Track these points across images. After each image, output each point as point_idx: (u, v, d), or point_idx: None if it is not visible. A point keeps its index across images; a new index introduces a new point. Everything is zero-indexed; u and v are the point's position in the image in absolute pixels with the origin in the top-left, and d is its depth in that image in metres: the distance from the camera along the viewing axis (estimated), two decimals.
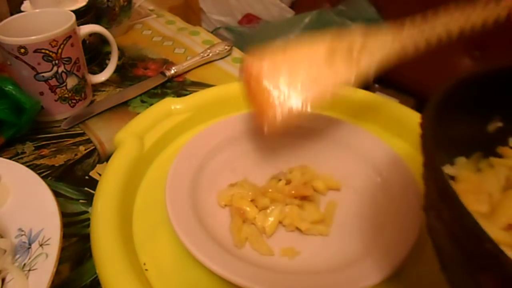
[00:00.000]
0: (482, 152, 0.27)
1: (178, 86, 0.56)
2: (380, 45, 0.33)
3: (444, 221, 0.19)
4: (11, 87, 0.42)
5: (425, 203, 0.22)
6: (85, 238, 0.34)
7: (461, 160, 0.27)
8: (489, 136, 0.27)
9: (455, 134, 0.26)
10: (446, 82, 0.24)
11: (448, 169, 0.26)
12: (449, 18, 0.32)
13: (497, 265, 0.16)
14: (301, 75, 0.32)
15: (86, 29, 0.49)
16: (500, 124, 0.27)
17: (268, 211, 0.33)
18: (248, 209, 0.33)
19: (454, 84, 0.24)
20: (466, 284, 0.19)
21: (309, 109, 0.32)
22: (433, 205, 0.21)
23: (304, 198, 0.34)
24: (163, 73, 0.56)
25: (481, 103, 0.26)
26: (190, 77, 0.58)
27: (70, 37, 0.46)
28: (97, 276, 0.28)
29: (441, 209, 0.19)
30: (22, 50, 0.43)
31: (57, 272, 0.27)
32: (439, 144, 0.21)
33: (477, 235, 0.16)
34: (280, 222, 0.33)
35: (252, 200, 0.34)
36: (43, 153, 0.44)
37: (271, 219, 0.32)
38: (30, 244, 0.29)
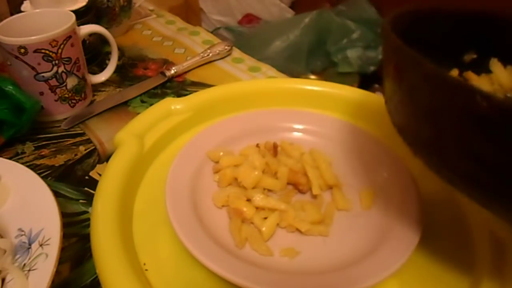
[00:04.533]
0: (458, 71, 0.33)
1: (178, 86, 0.56)
2: None
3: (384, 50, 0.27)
4: (11, 87, 0.42)
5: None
6: (85, 238, 0.34)
7: None
8: (464, 63, 0.33)
9: (431, 49, 0.29)
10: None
11: None
12: None
13: (392, 43, 0.23)
14: None
15: (86, 29, 0.49)
16: (474, 56, 0.33)
17: (264, 216, 0.33)
18: (245, 209, 0.33)
19: (437, 7, 0.31)
20: (389, 84, 0.26)
21: None
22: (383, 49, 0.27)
23: (297, 185, 0.35)
24: (163, 73, 0.56)
25: (459, 34, 0.32)
26: (190, 77, 0.58)
27: (70, 37, 0.46)
28: (97, 276, 0.28)
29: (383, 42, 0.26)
30: (22, 50, 0.43)
31: (57, 272, 0.26)
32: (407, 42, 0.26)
33: (388, 33, 0.24)
34: (277, 225, 0.33)
35: (248, 200, 0.34)
36: (43, 153, 0.44)
37: (268, 223, 0.32)
38: (30, 244, 0.29)
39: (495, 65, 0.32)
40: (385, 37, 0.25)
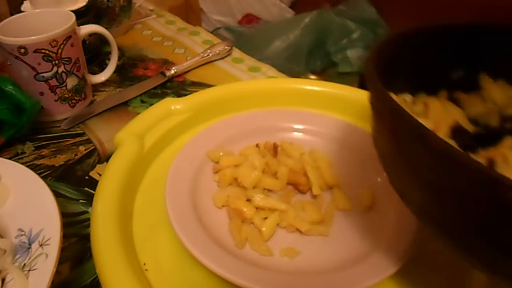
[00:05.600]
0: (446, 92, 0.31)
1: (178, 86, 0.56)
2: None
3: (371, 102, 0.24)
4: (11, 87, 0.42)
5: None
6: (85, 238, 0.34)
7: (422, 95, 0.30)
8: (452, 82, 0.30)
9: (417, 72, 0.29)
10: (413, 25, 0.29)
11: (406, 97, 0.29)
12: None
13: (387, 104, 0.20)
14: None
15: (86, 29, 0.49)
16: (462, 74, 0.30)
17: (264, 216, 0.33)
18: (245, 209, 0.33)
19: (418, 28, 0.28)
20: (382, 143, 0.25)
21: None
22: (370, 101, 0.24)
23: (297, 185, 0.35)
24: (163, 73, 0.56)
25: (445, 51, 0.29)
26: (190, 77, 0.58)
27: (70, 37, 0.46)
28: (97, 276, 0.28)
29: (370, 94, 0.24)
30: (22, 50, 0.43)
31: (57, 272, 0.26)
32: (392, 71, 0.25)
33: (378, 89, 0.21)
34: (277, 225, 0.33)
35: (248, 200, 0.34)
36: (43, 153, 0.44)
37: (268, 223, 0.32)
38: (30, 244, 0.29)
39: (485, 80, 0.30)
40: (374, 90, 0.22)
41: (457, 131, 0.28)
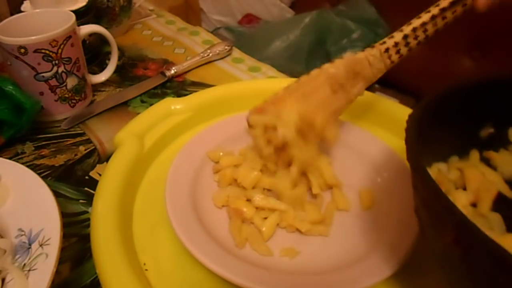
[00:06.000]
0: (477, 152, 0.29)
1: (178, 86, 0.56)
2: (366, 72, 0.35)
3: (419, 193, 0.22)
4: (11, 87, 0.42)
5: (413, 191, 0.24)
6: (85, 238, 0.34)
7: (454, 159, 0.29)
8: (482, 140, 0.29)
9: (447, 135, 0.28)
10: (439, 88, 0.27)
11: (440, 166, 0.28)
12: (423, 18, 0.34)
13: (452, 216, 0.18)
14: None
15: (86, 29, 0.49)
16: (491, 130, 0.29)
17: (264, 216, 0.33)
18: (245, 209, 0.33)
19: (444, 91, 0.27)
20: (439, 245, 0.22)
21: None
22: (414, 185, 0.23)
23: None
24: (163, 73, 0.56)
25: (472, 109, 0.28)
26: (190, 77, 0.58)
27: (70, 37, 0.46)
28: (97, 276, 0.28)
29: (416, 183, 0.22)
30: (22, 50, 0.43)
31: (57, 272, 0.27)
32: (425, 141, 0.24)
33: (435, 191, 0.19)
34: (277, 225, 0.33)
35: (248, 200, 0.34)
36: (43, 153, 0.44)
37: (268, 223, 0.32)
38: (30, 244, 0.29)
39: None
40: (435, 197, 0.20)
41: (498, 200, 0.26)
